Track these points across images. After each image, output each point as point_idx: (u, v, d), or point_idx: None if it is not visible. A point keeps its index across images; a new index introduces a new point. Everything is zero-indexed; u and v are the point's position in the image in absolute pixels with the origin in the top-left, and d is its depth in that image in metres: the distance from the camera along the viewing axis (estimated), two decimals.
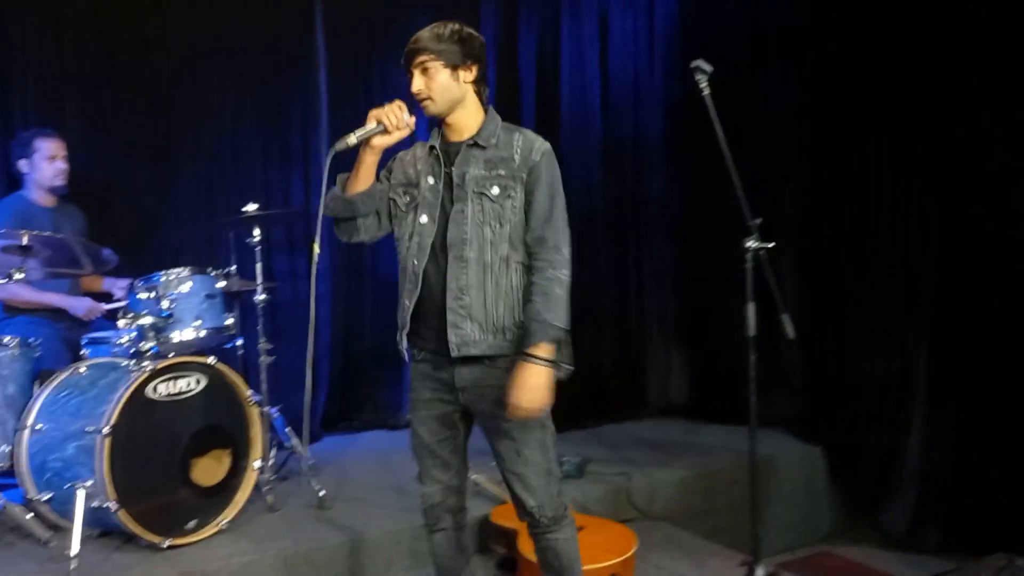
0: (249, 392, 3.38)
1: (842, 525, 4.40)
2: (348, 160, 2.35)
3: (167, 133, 4.54)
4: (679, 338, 5.24)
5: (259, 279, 3.74)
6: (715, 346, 4.94)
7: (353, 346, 4.98)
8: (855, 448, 4.28)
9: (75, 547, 2.84)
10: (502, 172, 2.32)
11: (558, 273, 2.31)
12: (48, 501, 3.11)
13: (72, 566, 2.81)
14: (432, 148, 2.39)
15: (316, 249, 2.33)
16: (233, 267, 3.88)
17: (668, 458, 4.24)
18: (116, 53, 4.34)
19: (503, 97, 5.00)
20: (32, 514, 3.11)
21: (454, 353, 2.30)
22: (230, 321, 3.55)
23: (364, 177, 2.36)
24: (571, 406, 4.83)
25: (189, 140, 4.59)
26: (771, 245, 2.87)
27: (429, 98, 2.29)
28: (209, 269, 3.52)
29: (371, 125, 2.29)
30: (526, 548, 3.08)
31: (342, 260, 4.88)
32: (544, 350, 2.26)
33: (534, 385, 2.24)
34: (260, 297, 3.74)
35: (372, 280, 4.97)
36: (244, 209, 3.67)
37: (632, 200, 5.14)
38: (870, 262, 4.19)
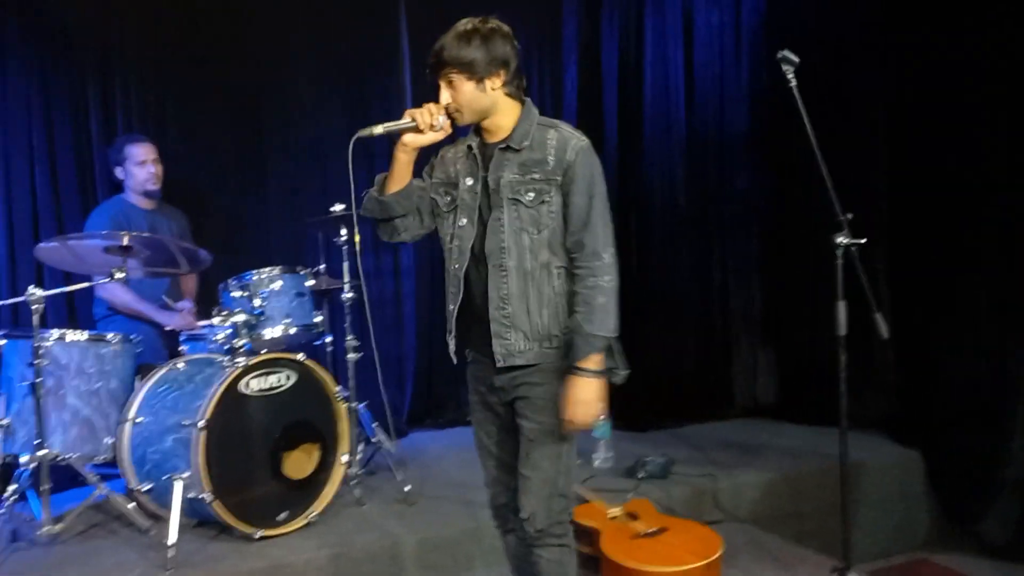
0: (337, 388, 3.46)
1: (939, 532, 4.22)
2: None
3: (258, 136, 4.69)
4: (766, 337, 5.11)
5: (346, 277, 3.82)
6: (803, 345, 4.80)
7: (438, 344, 5.01)
8: (954, 452, 4.09)
9: (172, 536, 2.96)
10: (536, 175, 2.24)
11: (599, 280, 2.23)
12: (148, 491, 3.25)
13: (170, 554, 2.92)
14: (469, 147, 2.33)
15: (357, 238, 2.47)
16: (322, 266, 3.98)
17: (754, 459, 4.14)
18: (210, 61, 4.50)
19: (584, 95, 5.00)
20: (133, 504, 3.25)
21: (500, 363, 2.27)
22: (319, 319, 3.65)
23: (398, 177, 2.30)
24: (653, 406, 4.83)
25: (278, 142, 4.73)
26: (863, 241, 2.77)
27: (458, 111, 2.24)
28: (299, 268, 3.62)
29: (403, 120, 2.23)
30: (609, 547, 3.07)
31: (427, 258, 4.94)
32: (592, 362, 2.22)
33: (585, 399, 2.22)
34: (347, 295, 3.82)
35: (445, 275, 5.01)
36: (332, 209, 3.76)
37: (716, 196, 5.04)
38: (968, 257, 4.00)
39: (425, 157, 2.38)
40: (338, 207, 3.77)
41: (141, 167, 3.92)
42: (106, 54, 4.32)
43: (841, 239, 2.79)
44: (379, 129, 2.22)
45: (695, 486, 3.79)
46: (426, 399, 5.03)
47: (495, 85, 2.23)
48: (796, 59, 2.70)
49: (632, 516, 3.34)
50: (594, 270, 2.23)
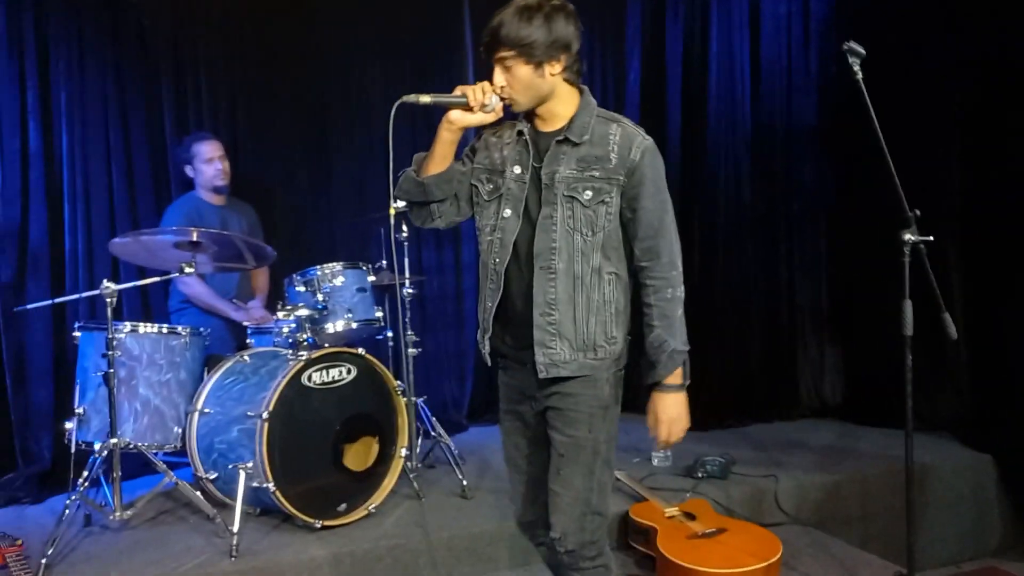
0: (396, 382, 3.50)
1: (1013, 539, 4.09)
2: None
3: (324, 134, 4.77)
4: (833, 335, 5.00)
5: (406, 273, 3.87)
6: (873, 344, 4.67)
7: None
8: None
9: (237, 524, 3.04)
10: (596, 173, 2.06)
11: (676, 292, 2.11)
12: (214, 480, 3.34)
13: (234, 541, 3.00)
14: (520, 133, 2.14)
15: (392, 211, 2.24)
16: (383, 262, 4.03)
17: (819, 460, 4.06)
18: (279, 61, 4.61)
19: (648, 86, 4.95)
20: (200, 491, 3.35)
21: (542, 374, 2.09)
22: (379, 313, 3.70)
23: (440, 156, 2.14)
24: (715, 404, 4.77)
25: (343, 140, 4.81)
26: (931, 238, 2.68)
27: (512, 96, 2.07)
28: (361, 263, 3.68)
29: (454, 95, 2.07)
30: (665, 546, 3.05)
31: None
32: (676, 376, 2.11)
33: (676, 416, 2.12)
34: (407, 291, 3.86)
35: None
36: (394, 206, 3.79)
37: (783, 190, 4.94)
38: None
39: (464, 142, 2.26)
40: (400, 203, 3.80)
41: (209, 164, 4.02)
42: (179, 54, 4.45)
43: (908, 236, 2.70)
44: (426, 98, 2.05)
45: (756, 487, 3.73)
46: (486, 394, 5.05)
47: (554, 70, 2.05)
48: (862, 51, 2.62)
49: (689, 516, 3.30)
50: (671, 281, 2.10)
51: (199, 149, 4.01)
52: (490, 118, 2.11)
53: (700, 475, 3.79)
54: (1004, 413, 4.09)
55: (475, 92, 2.06)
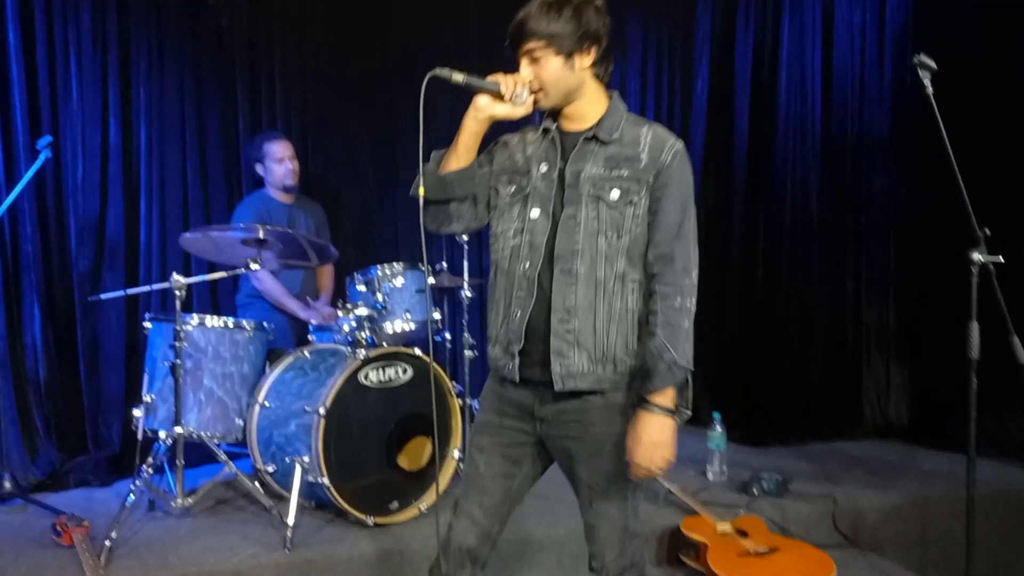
0: (452, 383, 3.53)
1: None
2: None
3: (391, 136, 4.84)
4: (900, 353, 4.86)
5: (466, 276, 3.90)
6: (941, 364, 4.54)
7: None
8: None
9: (292, 517, 3.11)
10: (625, 173, 1.95)
11: (686, 302, 1.93)
12: (272, 472, 3.42)
13: (288, 534, 3.07)
14: (546, 131, 2.04)
15: (422, 191, 2.07)
16: (443, 263, 4.07)
17: (880, 482, 3.96)
18: (348, 62, 4.70)
19: (715, 93, 4.89)
20: (259, 483, 3.43)
21: (558, 386, 1.94)
22: (437, 315, 3.74)
23: (463, 149, 2.02)
24: (775, 420, 4.69)
25: (410, 142, 4.84)
26: (999, 258, 2.59)
27: (541, 90, 1.97)
28: (421, 265, 3.72)
29: (489, 81, 1.97)
30: (715, 562, 3.01)
31: None
32: (668, 396, 1.92)
33: (659, 441, 1.90)
34: (467, 293, 3.90)
35: None
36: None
37: (852, 202, 4.83)
38: None
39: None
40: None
41: (279, 164, 4.11)
42: (255, 55, 4.57)
43: (977, 255, 2.61)
44: (459, 76, 1.96)
45: (812, 506, 3.65)
46: None
47: (584, 63, 1.95)
48: (933, 65, 2.55)
49: (742, 533, 3.26)
50: (682, 289, 1.93)
51: (270, 148, 4.11)
52: (519, 112, 1.99)
53: (755, 492, 3.73)
54: None
55: (508, 81, 1.96)
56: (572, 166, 1.98)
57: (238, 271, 3.40)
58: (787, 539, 3.31)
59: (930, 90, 2.54)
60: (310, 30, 4.67)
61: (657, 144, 1.97)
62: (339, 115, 4.75)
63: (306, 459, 3.20)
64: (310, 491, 3.31)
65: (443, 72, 1.97)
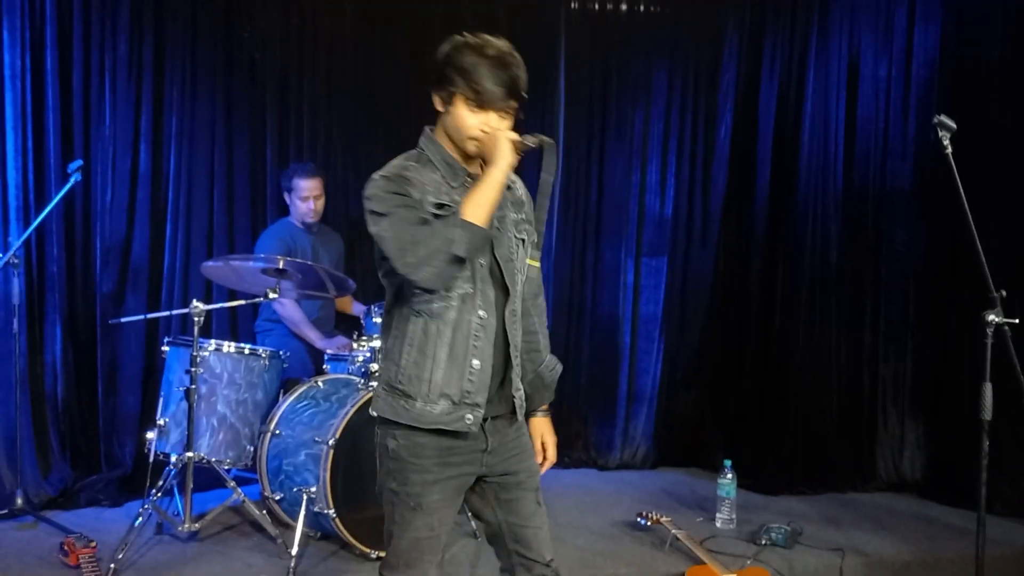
0: None
1: None
2: None
3: None
4: (916, 408, 4.81)
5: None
6: (957, 421, 4.49)
7: (568, 382, 5.06)
8: None
9: (296, 547, 3.12)
10: (523, 216, 2.12)
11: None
12: (280, 501, 3.44)
13: (292, 564, 3.09)
14: (471, 177, 2.02)
15: (535, 263, 2.13)
16: None
17: (890, 538, 3.90)
18: (375, 95, 4.78)
19: (738, 142, 4.92)
20: (266, 511, 3.45)
21: (520, 417, 2.09)
22: None
23: (497, 205, 1.96)
24: (787, 469, 4.65)
25: None
26: (1015, 321, 2.58)
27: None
28: None
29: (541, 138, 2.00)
30: None
31: (564, 298, 4.99)
32: None
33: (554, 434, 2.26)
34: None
35: (592, 319, 5.04)
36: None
37: (873, 255, 4.81)
38: None
39: None
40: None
41: (303, 201, 4.19)
42: (285, 87, 4.66)
43: (992, 316, 2.61)
44: (533, 141, 1.98)
45: (820, 560, 3.61)
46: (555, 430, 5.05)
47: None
48: (953, 124, 2.57)
49: None
50: (544, 311, 2.27)
51: (299, 184, 4.18)
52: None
53: (763, 542, 3.69)
54: None
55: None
56: (498, 211, 2.00)
57: (257, 300, 3.45)
58: None
59: (949, 149, 2.56)
60: (340, 63, 4.76)
61: (521, 184, 2.18)
62: (365, 147, 4.82)
63: (313, 489, 3.22)
64: (316, 521, 3.32)
65: (532, 141, 1.98)
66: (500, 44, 1.99)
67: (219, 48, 4.48)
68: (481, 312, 1.97)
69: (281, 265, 3.34)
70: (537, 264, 2.14)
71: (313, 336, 4.11)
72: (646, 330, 5.00)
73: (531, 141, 1.97)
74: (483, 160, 1.98)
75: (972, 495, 4.34)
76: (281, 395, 3.68)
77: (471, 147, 1.99)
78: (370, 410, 2.06)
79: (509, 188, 2.08)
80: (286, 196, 4.27)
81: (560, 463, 4.98)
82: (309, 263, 3.52)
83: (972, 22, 4.55)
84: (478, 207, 1.89)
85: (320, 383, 3.62)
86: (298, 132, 4.72)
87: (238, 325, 4.51)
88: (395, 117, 4.79)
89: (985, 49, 4.43)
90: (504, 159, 1.92)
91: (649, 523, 3.69)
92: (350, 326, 4.30)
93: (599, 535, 3.73)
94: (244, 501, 3.36)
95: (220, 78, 4.50)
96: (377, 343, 3.53)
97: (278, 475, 3.44)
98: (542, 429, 2.23)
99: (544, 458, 2.21)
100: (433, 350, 1.95)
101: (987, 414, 2.62)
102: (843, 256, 4.78)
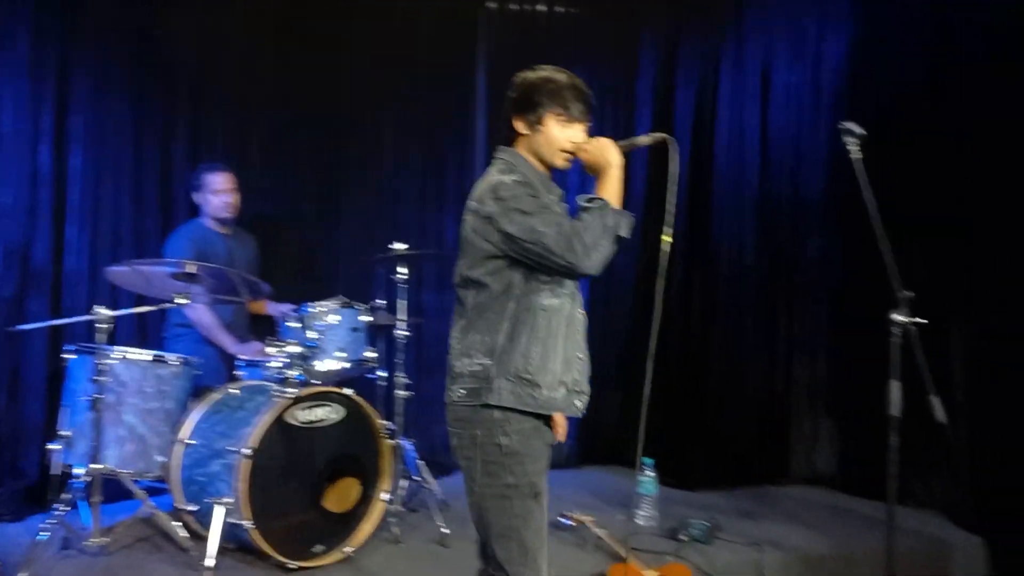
0: (383, 424, 3.49)
1: None
2: None
3: (336, 173, 4.84)
4: (829, 407, 4.95)
5: (400, 315, 3.87)
6: (867, 418, 4.62)
7: None
8: (1021, 542, 3.89)
9: (210, 559, 3.03)
10: None
11: None
12: (192, 512, 3.33)
13: None
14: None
15: (666, 239, 2.29)
16: (379, 301, 4.05)
17: (806, 531, 4.01)
18: (294, 99, 4.67)
19: (656, 150, 4.97)
20: (178, 522, 3.33)
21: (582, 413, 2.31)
22: (372, 354, 3.71)
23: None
24: (706, 465, 4.73)
25: (354, 180, 4.87)
26: (923, 321, 2.67)
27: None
28: (356, 304, 3.70)
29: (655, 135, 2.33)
30: None
31: None
32: None
33: None
34: (402, 332, 3.87)
35: None
36: (392, 247, 3.84)
37: (787, 261, 4.94)
38: None
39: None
40: (399, 245, 3.85)
41: (217, 196, 4.07)
42: (199, 84, 4.53)
43: (899, 317, 2.69)
44: (646, 140, 2.33)
45: (739, 555, 3.68)
46: None
47: None
48: (860, 130, 2.65)
49: None
50: None
51: (211, 179, 4.07)
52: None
53: (683, 538, 3.74)
54: (998, 497, 4.03)
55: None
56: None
57: (165, 305, 3.34)
58: None
59: (856, 156, 2.63)
60: (257, 65, 4.64)
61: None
62: (283, 150, 4.72)
63: (228, 500, 3.12)
64: (231, 532, 3.22)
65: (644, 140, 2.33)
66: (567, 73, 2.28)
67: (129, 46, 4.32)
68: (581, 308, 2.28)
69: (191, 269, 3.24)
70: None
71: (227, 341, 4.00)
72: None
73: (643, 140, 2.31)
74: (593, 169, 2.20)
75: (882, 488, 4.52)
76: (192, 403, 3.56)
77: (560, 160, 2.25)
78: (487, 400, 2.13)
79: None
80: (197, 196, 4.15)
81: None
82: (221, 267, 3.42)
83: (879, 31, 4.69)
84: (614, 200, 2.13)
85: (234, 390, 3.53)
86: (211, 132, 4.60)
87: (147, 331, 4.36)
88: (314, 117, 4.71)
89: (892, 57, 4.58)
90: (616, 158, 2.17)
91: (572, 523, 3.70)
92: (265, 329, 4.21)
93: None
94: (155, 513, 3.24)
95: (129, 77, 4.34)
96: (293, 348, 3.45)
97: (191, 486, 3.34)
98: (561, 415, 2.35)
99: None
100: (555, 342, 2.18)
101: (895, 410, 2.71)
102: (759, 263, 4.88)
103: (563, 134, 2.22)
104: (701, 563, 3.56)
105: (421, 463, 4.00)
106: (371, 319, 3.77)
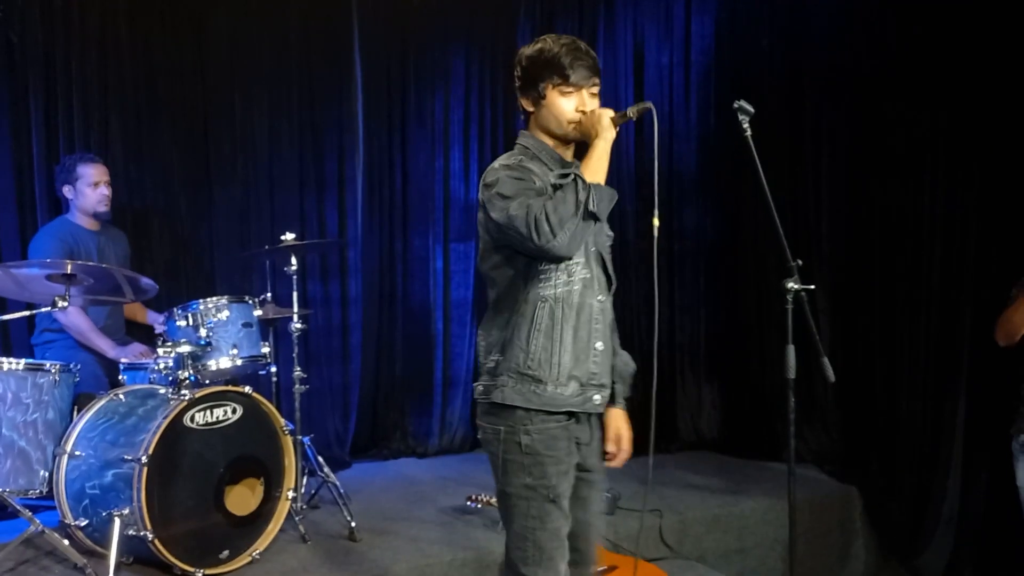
0: (283, 422, 3.39)
1: (875, 567, 4.34)
2: None
3: (205, 161, 4.60)
4: (711, 372, 5.19)
5: (295, 308, 3.76)
6: (748, 382, 4.90)
7: (384, 373, 5.00)
8: (891, 489, 4.22)
9: (111, 574, 2.85)
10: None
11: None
12: (84, 527, 3.12)
13: None
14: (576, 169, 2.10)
15: (656, 222, 2.13)
16: (268, 295, 3.91)
17: (699, 495, 4.20)
18: (157, 81, 4.42)
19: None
20: (67, 539, 3.12)
21: (601, 411, 2.21)
22: (266, 349, 3.59)
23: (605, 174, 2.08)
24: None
25: (226, 168, 4.64)
26: (812, 287, 2.83)
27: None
28: (247, 298, 3.56)
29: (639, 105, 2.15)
30: None
31: (374, 288, 4.91)
32: None
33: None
34: (297, 325, 3.76)
35: (404, 308, 5.00)
36: (283, 238, 3.72)
37: (664, 233, 5.09)
38: (906, 302, 4.15)
39: None
40: (289, 236, 3.73)
41: (94, 188, 3.80)
42: (51, 71, 4.19)
43: (791, 284, 2.83)
44: (632, 111, 2.15)
45: (641, 522, 3.81)
46: (370, 429, 4.98)
47: None
48: (751, 109, 2.75)
49: None
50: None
51: (85, 171, 3.79)
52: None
53: None
54: (868, 448, 4.35)
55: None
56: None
57: (43, 309, 3.10)
58: (623, 556, 3.43)
59: (749, 132, 2.74)
60: (113, 46, 4.33)
61: None
62: (147, 137, 4.45)
63: (126, 511, 2.95)
64: (130, 545, 3.05)
65: (632, 114, 2.14)
66: (566, 38, 2.14)
67: None
68: (600, 296, 2.13)
69: (70, 269, 3.01)
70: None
71: (104, 345, 3.76)
72: (458, 315, 5.04)
73: (631, 112, 2.13)
74: (586, 140, 2.10)
75: (763, 447, 4.81)
76: (75, 412, 3.34)
77: (572, 132, 2.13)
78: (493, 398, 2.08)
79: None
80: (67, 190, 3.84)
81: (380, 454, 4.94)
82: (103, 265, 3.22)
83: (743, 13, 4.94)
84: (595, 175, 2.03)
85: (121, 396, 3.32)
86: (68, 121, 4.26)
87: (10, 340, 4.04)
88: (181, 102, 4.47)
89: (755, 37, 4.82)
90: (607, 131, 2.07)
91: (480, 505, 3.72)
92: (142, 336, 3.99)
93: (431, 523, 3.72)
94: (44, 531, 3.02)
95: None
96: (184, 348, 3.28)
97: (81, 500, 3.12)
98: (619, 421, 2.27)
99: (618, 449, 2.27)
100: (560, 333, 2.06)
101: (791, 373, 2.84)
102: (639, 235, 5.04)
103: (568, 104, 2.11)
104: (608, 533, 3.66)
105: (320, 458, 3.91)
106: (261, 313, 3.64)
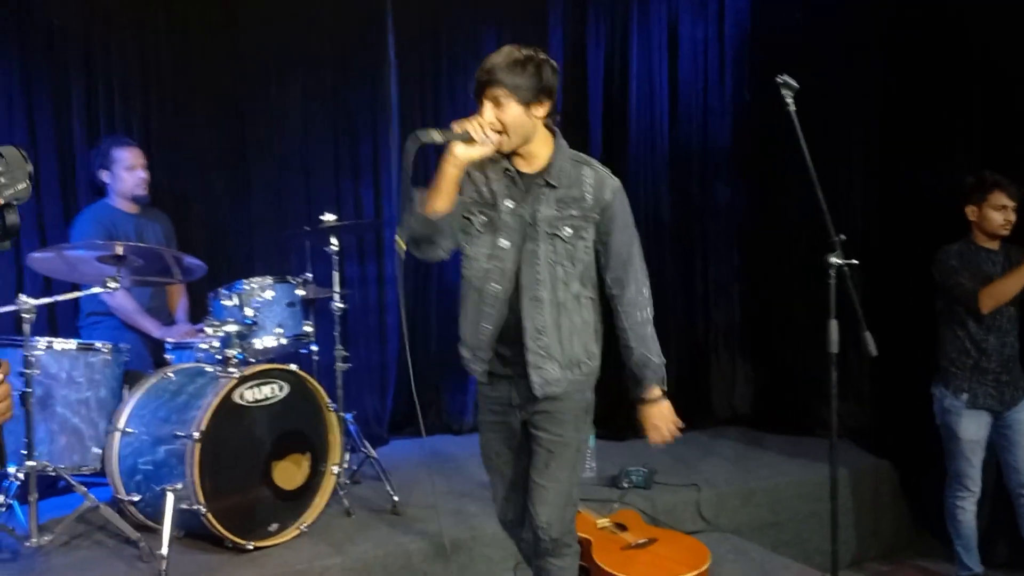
0: (328, 399, 3.45)
1: (908, 540, 4.36)
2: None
3: (242, 143, 4.65)
4: (744, 349, 5.20)
5: (336, 287, 3.82)
6: (780, 357, 4.91)
7: (420, 352, 5.04)
8: (925, 462, 4.22)
9: (165, 548, 2.94)
10: (574, 212, 2.31)
11: (645, 313, 2.43)
12: (136, 502, 3.21)
13: (162, 566, 2.90)
14: (507, 170, 2.32)
15: (401, 246, 2.30)
16: (309, 275, 3.96)
17: (733, 469, 4.24)
18: (195, 65, 4.47)
19: (570, 106, 5.03)
20: (120, 515, 3.21)
21: (538, 394, 2.33)
22: (309, 328, 3.65)
23: (447, 193, 2.22)
24: (633, 415, 4.85)
25: (263, 150, 4.69)
26: (855, 262, 2.84)
27: (503, 132, 2.23)
28: (290, 277, 3.62)
29: (457, 131, 2.19)
30: (601, 558, 3.12)
31: (408, 267, 4.95)
32: (656, 388, 2.46)
33: (666, 417, 2.49)
34: (337, 305, 3.82)
35: (437, 288, 5.04)
36: (322, 219, 3.76)
37: (699, 209, 5.12)
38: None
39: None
40: (329, 217, 3.77)
41: (130, 172, 3.86)
42: (91, 57, 4.25)
43: (834, 259, 2.85)
44: (437, 135, 2.18)
45: (678, 496, 3.87)
46: (406, 407, 5.03)
47: (539, 113, 2.28)
48: (795, 84, 2.77)
49: (621, 527, 3.39)
50: (639, 305, 2.41)
51: (121, 155, 3.85)
52: (489, 151, 2.23)
53: (625, 485, 3.89)
54: (902, 422, 4.36)
55: (475, 128, 2.20)
56: (530, 207, 2.30)
57: (93, 290, 3.17)
58: (663, 529, 3.48)
59: (792, 107, 2.75)
60: (151, 31, 4.39)
61: (599, 185, 2.34)
62: (185, 119, 4.51)
63: (179, 486, 3.03)
64: (181, 519, 3.12)
65: (425, 137, 2.16)
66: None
67: (10, 15, 4.02)
68: (495, 283, 2.33)
69: (120, 251, 3.08)
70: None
71: (150, 326, 3.83)
72: None
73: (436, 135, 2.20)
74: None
75: (796, 423, 4.82)
76: (125, 391, 3.42)
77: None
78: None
79: (553, 187, 2.30)
80: (104, 175, 3.91)
81: (416, 431, 4.98)
82: (154, 247, 3.28)
83: None
84: (423, 196, 2.24)
85: (170, 374, 3.41)
86: (108, 104, 4.33)
87: (57, 322, 4.12)
88: (217, 84, 4.52)
89: (788, 11, 4.78)
90: (450, 156, 2.20)
91: None
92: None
93: (470, 497, 3.77)
94: (99, 506, 3.10)
95: (14, 49, 4.06)
96: (231, 327, 3.34)
97: (134, 475, 3.22)
98: (643, 415, 2.50)
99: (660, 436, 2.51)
100: (464, 305, 2.41)
101: (834, 347, 2.88)
102: (673, 212, 5.05)
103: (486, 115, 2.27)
104: (645, 507, 3.72)
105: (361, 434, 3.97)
106: (304, 293, 3.70)
